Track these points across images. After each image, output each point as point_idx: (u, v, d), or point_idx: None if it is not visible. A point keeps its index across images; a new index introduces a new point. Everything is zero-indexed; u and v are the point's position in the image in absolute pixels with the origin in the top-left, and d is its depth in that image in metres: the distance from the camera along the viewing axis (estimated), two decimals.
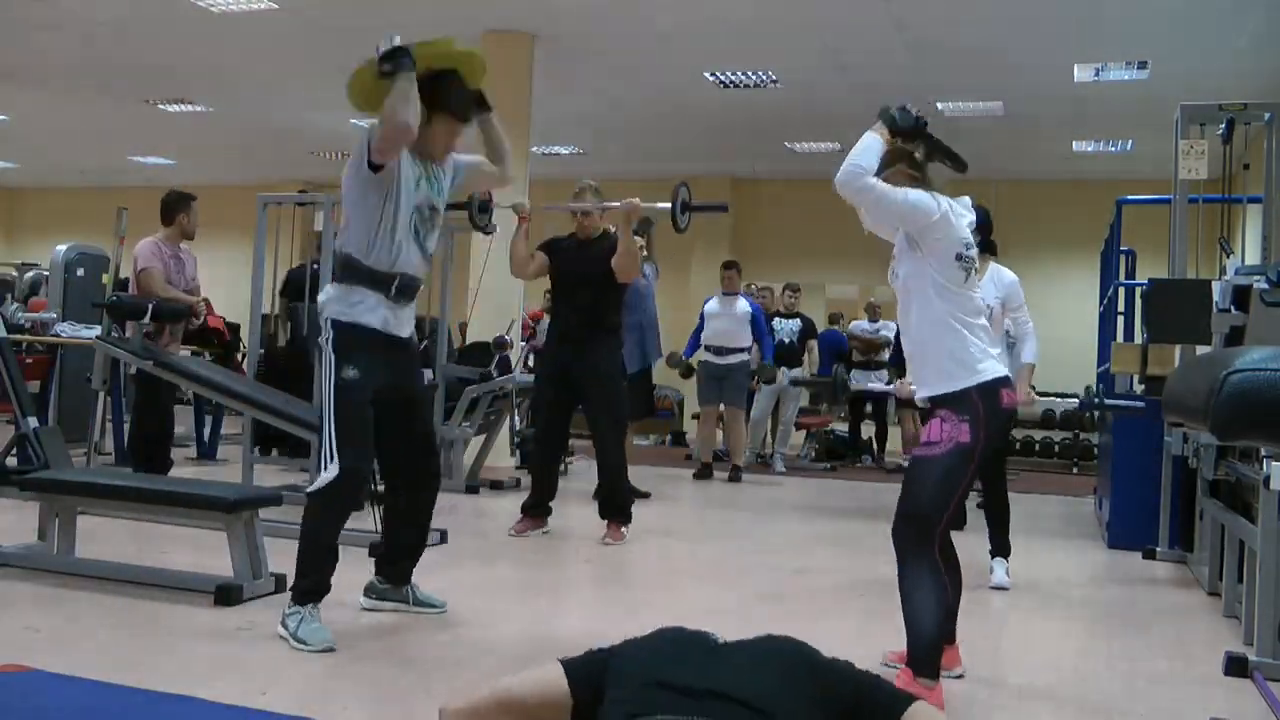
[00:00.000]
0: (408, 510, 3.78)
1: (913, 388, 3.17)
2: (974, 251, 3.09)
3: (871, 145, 3.02)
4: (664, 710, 1.85)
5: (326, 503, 3.45)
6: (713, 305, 8.88)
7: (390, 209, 3.52)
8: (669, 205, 5.37)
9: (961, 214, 3.09)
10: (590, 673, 2.04)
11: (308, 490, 3.50)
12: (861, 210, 3.13)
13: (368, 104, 3.59)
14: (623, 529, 5.52)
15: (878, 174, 3.02)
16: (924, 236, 3.02)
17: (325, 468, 3.43)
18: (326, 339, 3.52)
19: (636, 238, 7.32)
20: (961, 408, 2.95)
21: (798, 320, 10.14)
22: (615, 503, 5.55)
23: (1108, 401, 5.61)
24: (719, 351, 8.70)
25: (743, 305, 8.83)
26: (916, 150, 3.14)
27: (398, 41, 3.47)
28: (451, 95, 3.60)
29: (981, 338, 3.04)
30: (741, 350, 8.71)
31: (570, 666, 2.07)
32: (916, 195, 3.01)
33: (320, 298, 3.65)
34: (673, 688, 1.91)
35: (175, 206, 6.64)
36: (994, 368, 3.02)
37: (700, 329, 8.93)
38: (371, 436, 3.56)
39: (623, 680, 1.98)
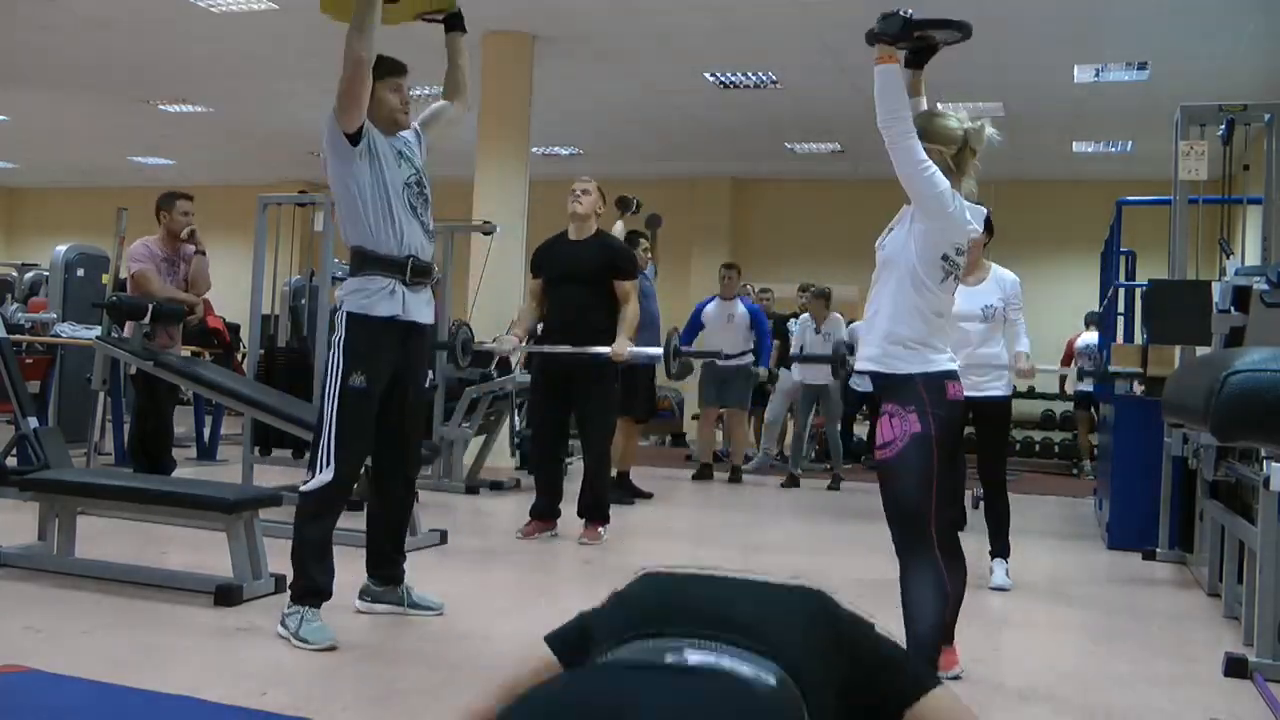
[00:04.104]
0: (383, 512, 3.78)
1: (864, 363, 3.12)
2: (963, 259, 3.05)
3: (889, 79, 2.93)
4: (658, 626, 1.71)
5: (319, 504, 3.47)
6: (710, 310, 8.75)
7: (380, 187, 3.54)
8: (659, 351, 5.75)
9: (968, 221, 3.07)
10: (571, 637, 1.96)
11: (301, 489, 3.51)
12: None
13: (341, 11, 3.62)
14: (600, 529, 5.52)
15: (930, 141, 2.97)
16: (924, 218, 2.99)
17: (321, 470, 3.44)
18: (339, 337, 3.52)
19: (641, 239, 7.35)
20: (906, 398, 2.92)
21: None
22: (594, 503, 5.55)
23: (1109, 370, 5.57)
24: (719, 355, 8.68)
25: (740, 309, 8.75)
26: (920, 40, 3.04)
27: None
28: (381, 61, 3.61)
29: (939, 337, 3.01)
30: (743, 354, 8.67)
31: (552, 639, 2.00)
32: (939, 180, 2.95)
33: (339, 292, 3.66)
34: (671, 609, 1.76)
35: (159, 206, 6.64)
36: (942, 362, 2.98)
37: (692, 325, 8.80)
38: (370, 444, 3.58)
39: (608, 630, 1.84)
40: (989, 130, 3.08)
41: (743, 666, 1.59)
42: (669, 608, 1.78)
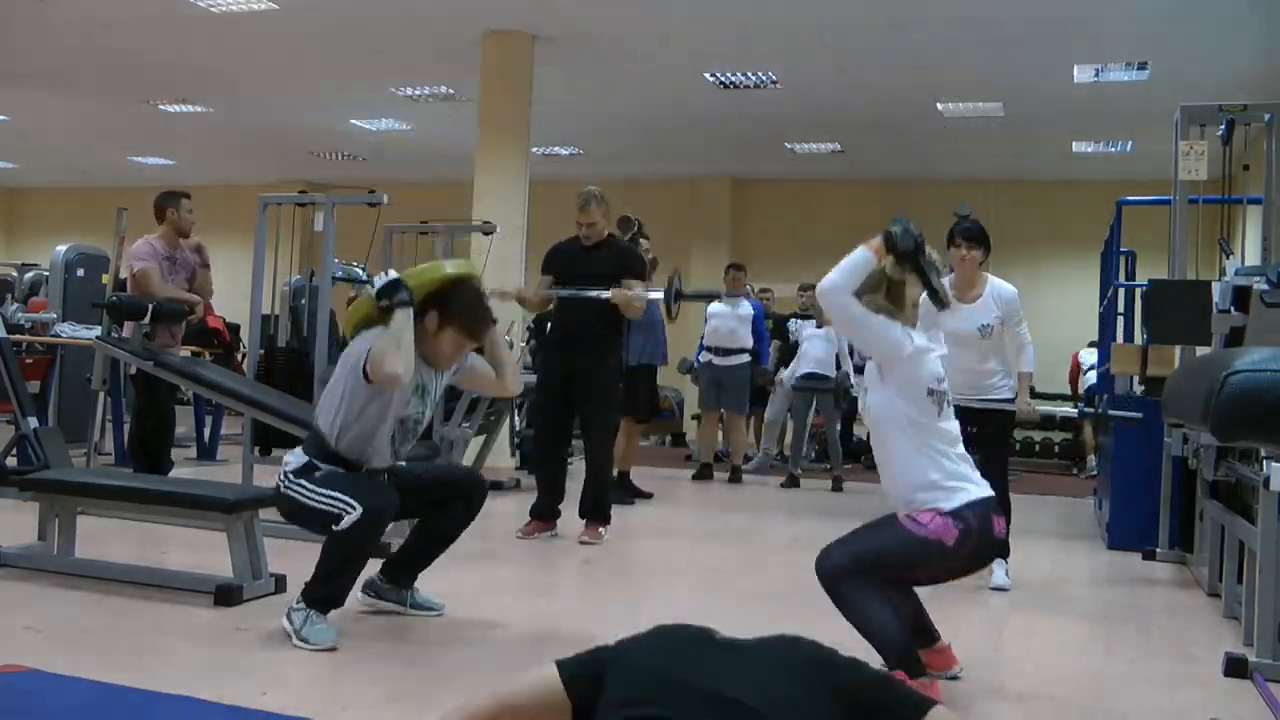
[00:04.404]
0: (430, 535, 3.76)
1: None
2: (945, 385, 3.08)
3: (860, 263, 3.03)
4: (665, 709, 1.81)
5: (351, 539, 3.35)
6: (715, 305, 8.85)
7: (374, 415, 3.48)
8: (661, 293, 5.63)
9: (932, 349, 3.09)
10: (588, 673, 1.99)
11: (333, 528, 3.38)
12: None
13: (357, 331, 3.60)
14: (600, 529, 5.52)
15: (858, 294, 3.03)
16: (893, 370, 3.04)
17: (345, 515, 3.33)
18: (287, 484, 3.46)
19: (643, 240, 7.34)
20: (957, 515, 2.95)
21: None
22: (595, 503, 5.55)
23: (1110, 412, 5.55)
24: (719, 352, 8.68)
25: (745, 307, 8.80)
26: (904, 274, 3.09)
27: (392, 274, 3.46)
28: (465, 309, 3.54)
29: (960, 465, 3.04)
30: (742, 351, 8.69)
31: (565, 668, 2.02)
32: (889, 327, 3.02)
33: (285, 459, 3.56)
34: (679, 687, 1.85)
35: (164, 203, 6.62)
36: (979, 491, 3.01)
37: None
38: (385, 486, 3.53)
39: (625, 679, 1.93)
40: (905, 249, 3.08)
41: None
42: (673, 681, 1.87)
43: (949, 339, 4.72)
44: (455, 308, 3.51)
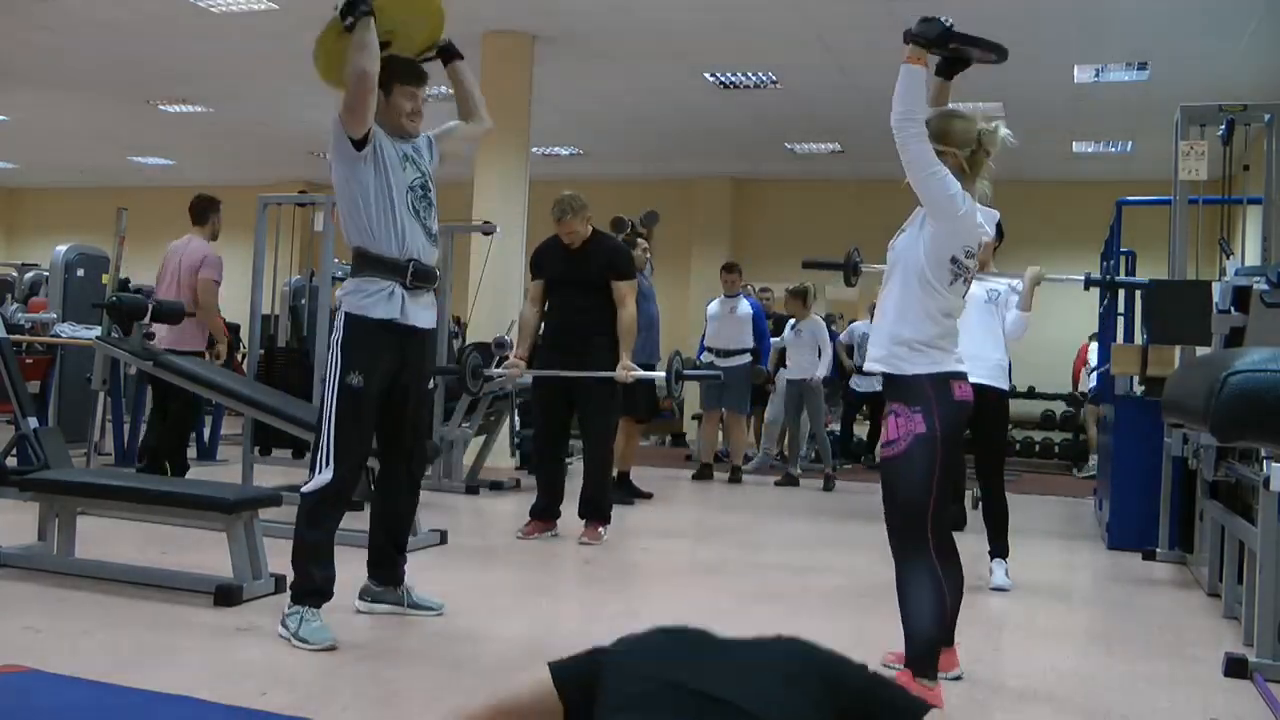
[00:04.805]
0: (385, 514, 3.78)
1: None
2: (973, 261, 3.05)
3: (913, 81, 2.92)
4: (662, 713, 1.81)
5: (319, 505, 3.46)
6: (714, 307, 8.87)
7: (384, 190, 3.53)
8: (663, 374, 5.72)
9: (981, 224, 3.07)
10: (580, 675, 1.99)
11: (302, 490, 3.50)
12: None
13: (335, 71, 3.59)
14: (600, 529, 5.52)
15: (941, 142, 2.97)
16: (934, 220, 2.99)
17: (320, 470, 3.44)
18: (337, 337, 3.51)
19: (640, 240, 7.34)
20: (912, 398, 2.93)
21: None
22: (595, 503, 5.55)
23: (1117, 279, 5.48)
24: (720, 354, 8.69)
25: (744, 306, 8.81)
26: (955, 52, 3.03)
27: None
28: (398, 64, 3.59)
29: (947, 338, 3.02)
30: (743, 352, 8.70)
31: (559, 671, 2.02)
32: (952, 181, 2.95)
33: (338, 291, 3.65)
34: (674, 692, 1.85)
35: (209, 208, 6.80)
36: (949, 362, 2.99)
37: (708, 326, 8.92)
38: (370, 444, 3.58)
39: (620, 683, 1.92)
40: (1004, 132, 3.08)
41: None
42: (668, 686, 1.86)
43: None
44: (390, 68, 3.54)
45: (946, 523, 3.09)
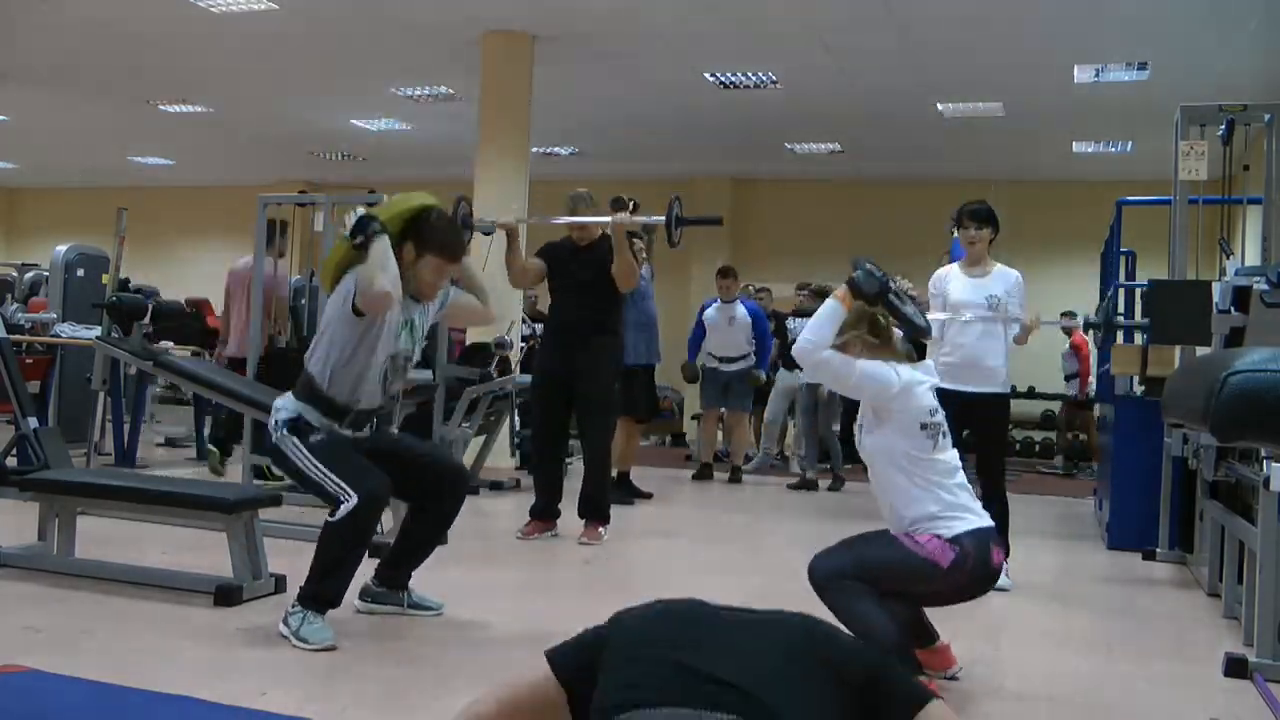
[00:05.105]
0: (415, 537, 3.76)
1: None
2: (939, 417, 3.09)
3: (830, 315, 3.07)
4: (664, 693, 1.78)
5: (348, 530, 3.38)
6: (711, 314, 8.80)
7: (365, 353, 3.49)
8: (661, 219, 5.37)
9: (922, 380, 3.09)
10: (579, 659, 1.99)
11: (328, 520, 3.40)
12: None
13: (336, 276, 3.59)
14: (600, 529, 5.52)
15: (839, 335, 3.07)
16: (884, 409, 3.05)
17: (344, 500, 3.35)
18: (280, 437, 3.47)
19: (636, 240, 7.34)
20: (956, 541, 2.97)
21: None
22: (594, 503, 5.55)
23: (1113, 320, 5.40)
24: (723, 360, 8.69)
25: (741, 312, 8.75)
26: (879, 314, 3.14)
27: (361, 212, 3.47)
28: (438, 234, 3.55)
29: (960, 496, 3.05)
30: (745, 357, 8.69)
31: (555, 658, 2.02)
32: (873, 369, 3.03)
33: (276, 404, 3.58)
34: (675, 669, 1.82)
35: (279, 230, 7.10)
36: (979, 521, 3.02)
37: (699, 332, 8.87)
38: (373, 467, 3.51)
39: (619, 663, 1.90)
40: (903, 284, 3.17)
41: None
42: (668, 665, 1.83)
43: (955, 311, 4.76)
44: (429, 234, 3.53)
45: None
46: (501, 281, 6.96)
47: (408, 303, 3.56)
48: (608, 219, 5.38)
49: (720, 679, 1.78)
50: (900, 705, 1.90)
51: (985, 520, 3.05)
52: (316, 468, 3.40)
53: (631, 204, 7.50)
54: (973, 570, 2.96)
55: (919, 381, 3.08)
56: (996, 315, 4.75)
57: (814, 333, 3.05)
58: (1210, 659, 3.64)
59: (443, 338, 7.32)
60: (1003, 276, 4.86)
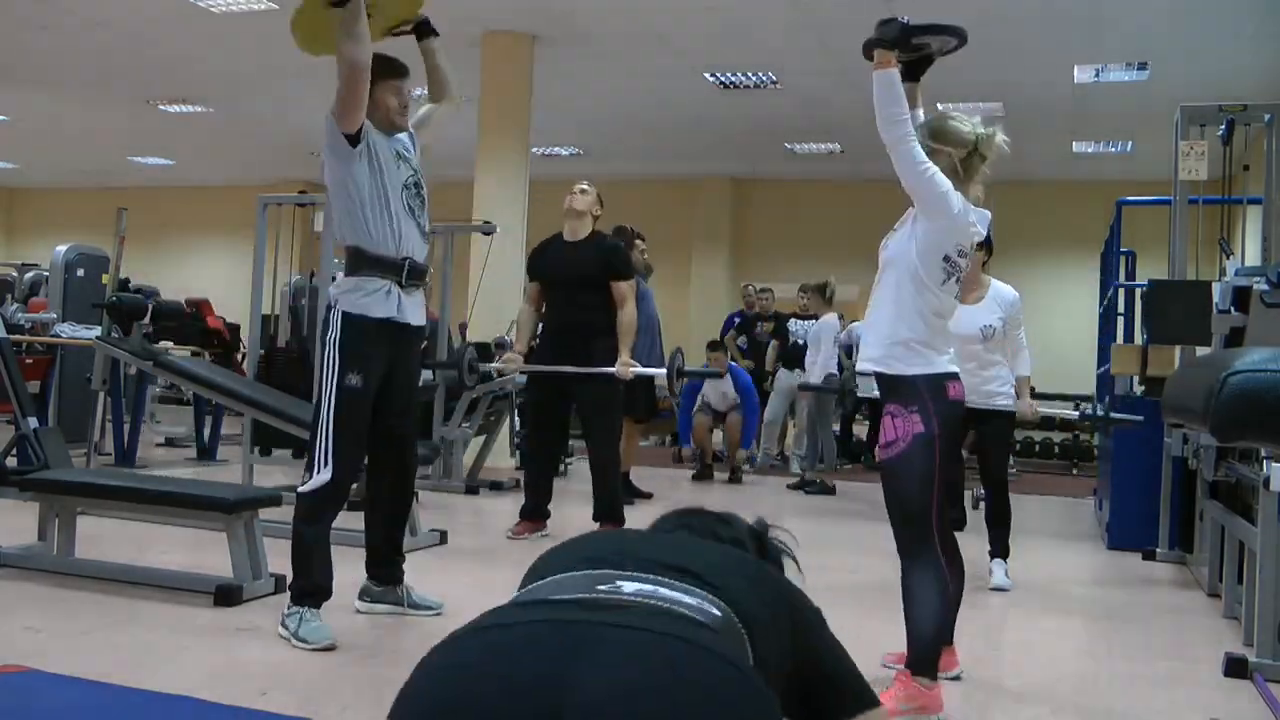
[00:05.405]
0: (380, 513, 3.77)
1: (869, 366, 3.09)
2: (965, 260, 3.03)
3: (887, 84, 2.93)
4: (566, 566, 1.55)
5: (317, 504, 3.46)
6: (706, 388, 8.88)
7: (380, 189, 3.53)
8: (664, 370, 5.67)
9: (974, 224, 3.06)
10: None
11: (299, 489, 3.50)
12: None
13: (316, 42, 3.59)
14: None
15: (941, 142, 2.99)
16: (927, 218, 2.97)
17: (318, 470, 3.43)
18: (334, 336, 3.50)
19: (638, 241, 7.34)
20: (908, 399, 2.93)
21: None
22: (608, 505, 5.54)
23: (1112, 415, 5.39)
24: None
25: (729, 387, 8.75)
26: (917, 48, 3.04)
27: None
28: (380, 61, 3.55)
29: (939, 338, 3.01)
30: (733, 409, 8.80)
31: None
32: (941, 181, 2.94)
33: (331, 290, 3.63)
34: (616, 552, 1.56)
35: None
36: (943, 364, 2.99)
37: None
38: (366, 443, 3.57)
39: (553, 557, 1.68)
40: (1000, 138, 3.07)
41: (684, 598, 1.43)
42: (609, 549, 1.61)
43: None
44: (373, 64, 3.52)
45: (950, 521, 3.08)
46: (502, 280, 6.95)
47: (386, 138, 3.59)
48: (612, 369, 5.30)
49: (677, 566, 1.51)
50: (850, 702, 1.65)
51: (945, 366, 2.99)
52: (328, 418, 3.43)
53: (632, 231, 7.46)
54: (938, 410, 2.91)
55: (972, 221, 3.02)
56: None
57: (886, 105, 2.92)
58: (1210, 659, 3.64)
59: (443, 339, 7.34)
60: (997, 299, 4.65)
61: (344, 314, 3.52)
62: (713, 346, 9.05)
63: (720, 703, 1.24)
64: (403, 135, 3.71)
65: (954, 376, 3.01)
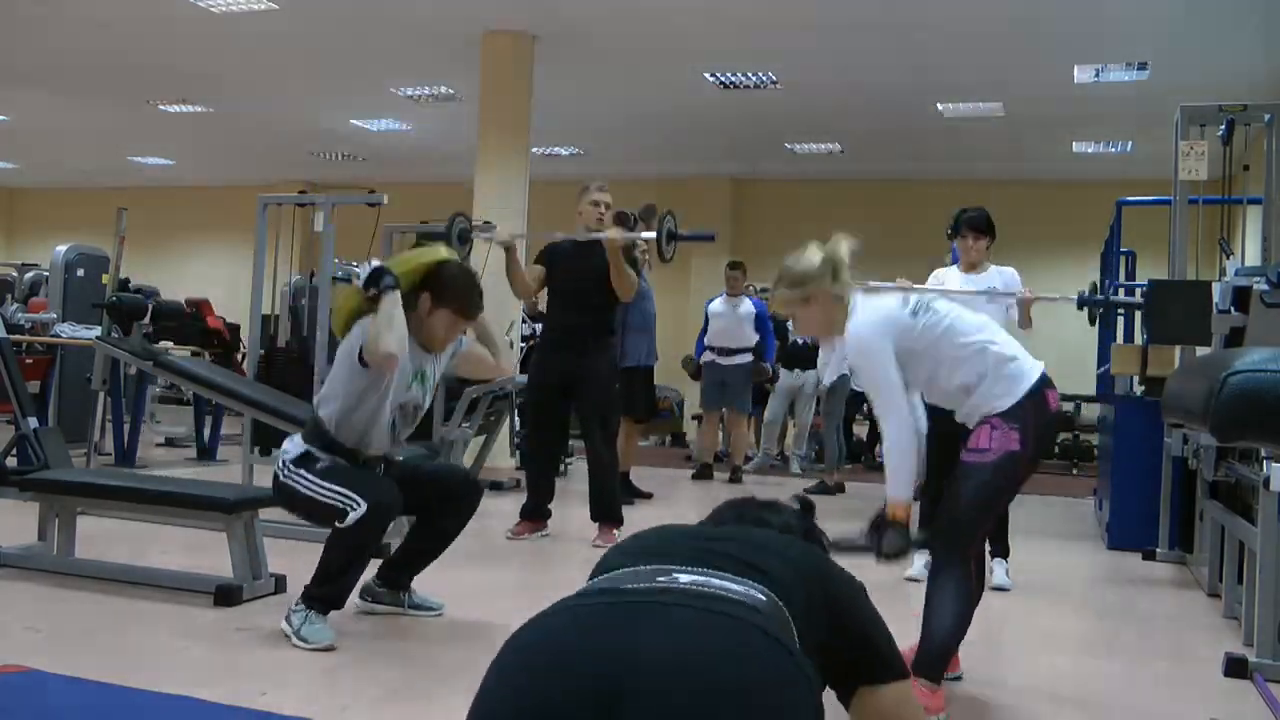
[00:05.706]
0: (420, 546, 3.76)
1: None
2: (911, 304, 3.00)
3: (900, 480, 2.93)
4: (630, 559, 1.77)
5: (354, 536, 3.37)
6: (716, 305, 8.84)
7: (374, 402, 3.49)
8: (653, 234, 5.45)
9: (879, 307, 3.01)
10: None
11: (336, 524, 3.39)
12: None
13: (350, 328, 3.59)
14: (614, 531, 5.51)
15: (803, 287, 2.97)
16: (911, 356, 2.95)
17: (352, 510, 3.34)
18: (287, 474, 3.47)
19: (640, 243, 7.34)
20: (1011, 415, 2.87)
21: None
22: (606, 505, 5.54)
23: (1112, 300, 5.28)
24: (722, 352, 8.68)
25: (747, 305, 8.79)
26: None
27: (375, 263, 3.50)
28: (457, 289, 3.56)
29: (1008, 346, 2.96)
30: (745, 350, 8.69)
31: None
32: (891, 373, 2.90)
33: (284, 446, 3.58)
34: (666, 544, 1.81)
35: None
36: (1031, 368, 2.94)
37: (705, 330, 8.89)
38: (384, 479, 3.53)
39: (610, 557, 1.92)
40: (845, 241, 3.01)
41: (734, 586, 1.62)
42: (666, 543, 1.83)
43: (957, 301, 4.73)
44: (447, 288, 3.54)
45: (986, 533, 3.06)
46: (502, 280, 6.99)
47: (419, 353, 3.58)
48: (601, 234, 5.34)
49: (718, 551, 1.74)
50: (878, 667, 1.87)
51: (1037, 367, 2.94)
52: (324, 487, 3.39)
53: (632, 217, 7.48)
54: (1038, 430, 2.86)
55: (898, 317, 2.96)
56: (993, 293, 4.74)
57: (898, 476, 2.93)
58: (1210, 659, 3.64)
59: None
60: (999, 273, 4.92)
61: (288, 461, 3.50)
62: (733, 266, 8.94)
63: (761, 666, 1.45)
64: (441, 354, 3.71)
65: (1049, 382, 2.95)
